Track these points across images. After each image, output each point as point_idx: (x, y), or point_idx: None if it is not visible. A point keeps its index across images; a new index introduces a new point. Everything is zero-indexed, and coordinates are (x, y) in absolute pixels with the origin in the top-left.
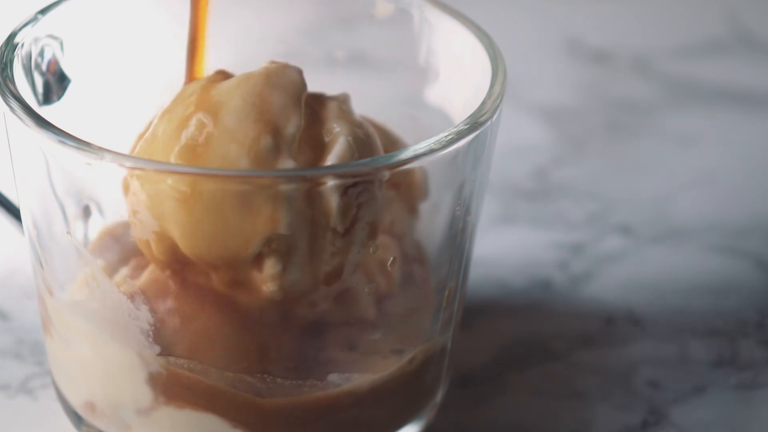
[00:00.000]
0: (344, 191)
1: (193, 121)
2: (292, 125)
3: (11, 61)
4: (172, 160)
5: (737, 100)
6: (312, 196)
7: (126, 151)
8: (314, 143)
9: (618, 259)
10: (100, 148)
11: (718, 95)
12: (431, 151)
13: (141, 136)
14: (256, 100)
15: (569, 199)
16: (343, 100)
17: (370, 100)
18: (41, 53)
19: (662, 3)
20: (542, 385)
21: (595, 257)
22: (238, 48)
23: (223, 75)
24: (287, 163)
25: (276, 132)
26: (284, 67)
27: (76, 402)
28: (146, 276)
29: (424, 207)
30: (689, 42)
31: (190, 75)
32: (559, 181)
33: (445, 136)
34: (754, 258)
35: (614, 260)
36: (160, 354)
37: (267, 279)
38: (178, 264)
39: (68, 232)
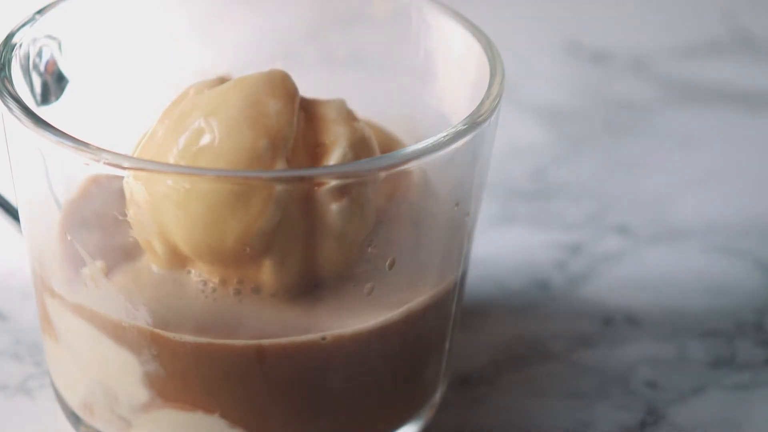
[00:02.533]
0: (342, 192)
1: (191, 125)
2: (288, 128)
3: (9, 62)
4: (171, 161)
5: (736, 101)
6: (310, 197)
7: (124, 151)
8: (311, 147)
9: (616, 260)
10: (99, 149)
11: (716, 95)
12: (429, 152)
13: (142, 139)
14: (252, 104)
15: (568, 200)
16: (339, 104)
17: (369, 101)
18: (39, 53)
19: (661, 3)
20: (541, 386)
21: (593, 257)
22: (237, 48)
23: (222, 81)
24: (284, 166)
25: (272, 135)
26: (277, 71)
27: (74, 402)
28: (144, 274)
29: (422, 207)
30: (688, 42)
31: None
32: (557, 181)
33: (444, 137)
34: (753, 258)
35: (612, 260)
36: (158, 354)
37: (266, 279)
38: (180, 262)
39: (67, 233)
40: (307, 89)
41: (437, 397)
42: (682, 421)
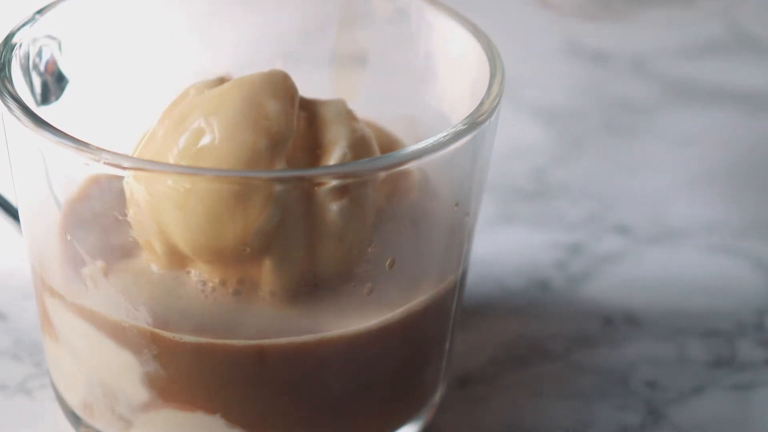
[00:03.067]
0: (342, 192)
1: (191, 125)
2: (288, 128)
3: (9, 62)
4: (171, 161)
5: (735, 101)
6: (310, 197)
7: (124, 151)
8: (311, 147)
9: (616, 260)
10: (98, 149)
11: (716, 95)
12: (429, 152)
13: (142, 139)
14: (252, 104)
15: (567, 200)
16: (339, 104)
17: (369, 101)
18: (39, 53)
19: (661, 3)
20: (540, 386)
21: (593, 257)
22: (237, 48)
23: (222, 81)
24: (284, 166)
25: (272, 135)
26: (277, 72)
27: (74, 402)
28: (143, 274)
29: (422, 207)
30: (687, 42)
31: None
32: (557, 181)
33: (444, 137)
34: (753, 258)
35: (612, 260)
36: (158, 354)
37: (266, 279)
38: (180, 262)
39: (67, 233)
40: (307, 89)
41: (437, 397)
42: (682, 421)
